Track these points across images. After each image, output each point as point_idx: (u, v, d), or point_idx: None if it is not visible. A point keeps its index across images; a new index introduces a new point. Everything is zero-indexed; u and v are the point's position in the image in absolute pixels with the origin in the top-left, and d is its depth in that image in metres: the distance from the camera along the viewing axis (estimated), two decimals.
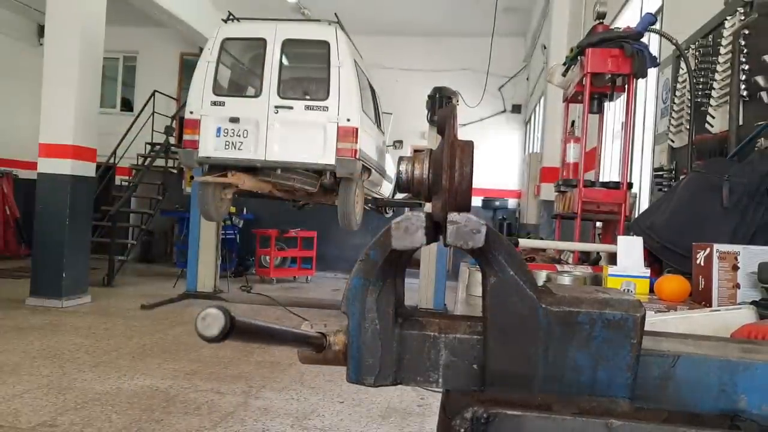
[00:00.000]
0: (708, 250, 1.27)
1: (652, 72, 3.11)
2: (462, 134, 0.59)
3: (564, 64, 3.18)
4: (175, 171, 9.68)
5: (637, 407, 0.54)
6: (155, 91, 9.93)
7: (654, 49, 3.24)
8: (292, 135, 5.44)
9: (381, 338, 0.55)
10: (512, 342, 0.53)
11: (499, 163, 10.66)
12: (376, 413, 3.38)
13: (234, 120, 5.48)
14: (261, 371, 4.07)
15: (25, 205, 9.26)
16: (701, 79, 2.60)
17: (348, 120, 5.39)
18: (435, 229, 0.55)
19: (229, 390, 3.62)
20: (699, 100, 2.60)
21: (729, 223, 1.50)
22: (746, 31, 2.19)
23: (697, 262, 1.31)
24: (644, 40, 2.81)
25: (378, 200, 7.41)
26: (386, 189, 7.51)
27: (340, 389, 3.73)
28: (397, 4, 9.48)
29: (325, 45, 5.51)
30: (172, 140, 9.38)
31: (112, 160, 9.15)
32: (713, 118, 2.44)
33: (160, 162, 9.35)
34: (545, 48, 8.06)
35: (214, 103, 5.52)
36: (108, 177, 9.07)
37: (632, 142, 3.27)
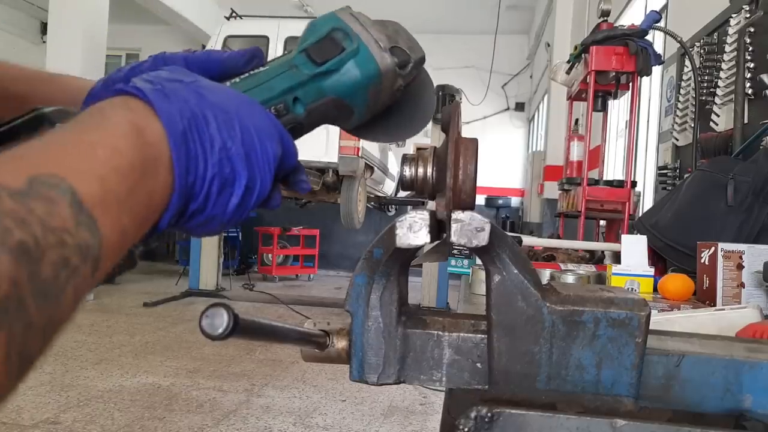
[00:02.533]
0: (712, 248, 1.26)
1: (656, 70, 3.10)
2: (465, 132, 0.59)
3: (568, 61, 3.17)
4: None
5: (641, 406, 0.54)
6: None
7: (658, 47, 3.24)
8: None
9: (384, 337, 0.55)
10: (516, 341, 0.53)
11: (502, 161, 10.65)
12: (379, 412, 3.38)
13: None
14: (263, 369, 4.08)
15: None
16: (706, 77, 2.59)
17: None
18: (438, 228, 0.54)
19: (232, 388, 3.63)
20: (704, 98, 2.59)
21: (734, 222, 1.50)
22: (751, 29, 2.18)
23: (702, 260, 1.30)
24: (648, 37, 2.80)
25: (380, 198, 7.41)
26: (389, 187, 7.51)
27: (343, 387, 3.74)
28: (399, 2, 9.47)
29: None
30: None
31: None
32: (718, 116, 2.43)
33: None
34: (549, 46, 8.05)
35: None
36: None
37: (636, 141, 3.26)
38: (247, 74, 0.50)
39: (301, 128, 0.52)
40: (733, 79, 2.26)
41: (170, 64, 0.50)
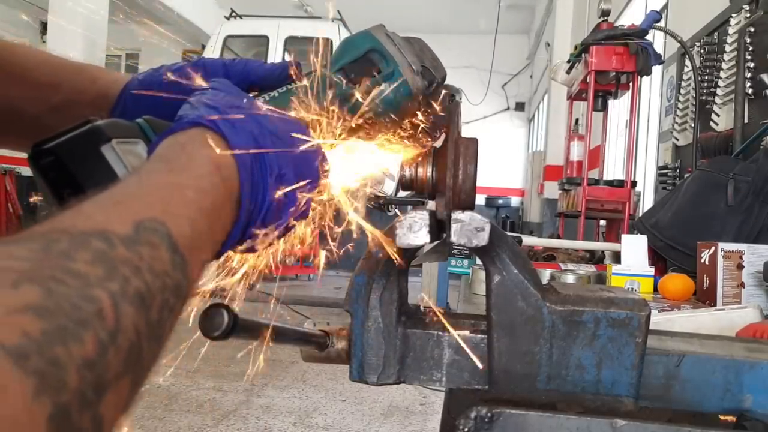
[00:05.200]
0: (712, 248, 1.26)
1: (656, 70, 3.10)
2: (465, 132, 0.59)
3: (568, 61, 3.17)
4: None
5: (641, 406, 0.54)
6: None
7: (659, 47, 3.23)
8: None
9: (384, 337, 0.55)
10: (516, 341, 0.53)
11: (502, 161, 10.64)
12: (379, 412, 3.38)
13: None
14: (263, 369, 4.08)
15: (28, 202, 9.27)
16: (706, 77, 2.59)
17: None
18: (438, 228, 0.54)
19: (231, 388, 3.63)
20: (704, 98, 2.58)
21: (734, 222, 1.49)
22: (752, 29, 2.18)
23: (702, 260, 1.30)
24: (649, 37, 2.80)
25: (380, 198, 7.40)
26: (389, 187, 7.51)
27: (343, 387, 3.74)
28: (400, 2, 9.47)
29: (327, 42, 5.52)
30: None
31: None
32: (718, 116, 2.43)
33: None
34: (549, 45, 8.05)
35: None
36: None
37: (636, 140, 3.26)
38: (285, 88, 0.51)
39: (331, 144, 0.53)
40: (734, 78, 2.26)
41: (210, 71, 0.51)
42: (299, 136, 0.45)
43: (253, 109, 0.43)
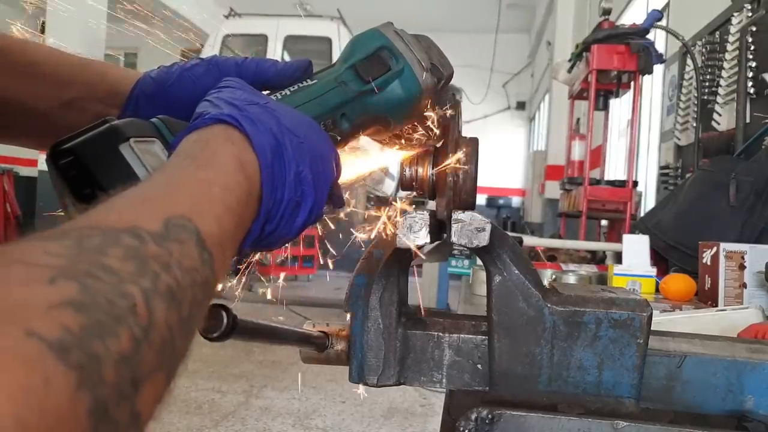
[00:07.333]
0: (714, 249, 1.26)
1: (658, 69, 3.10)
2: (465, 131, 0.58)
3: (569, 60, 3.16)
4: None
5: (643, 408, 0.53)
6: None
7: (660, 46, 3.23)
8: None
9: (384, 338, 0.54)
10: (517, 342, 0.53)
11: (503, 160, 10.63)
12: (378, 413, 3.38)
13: None
14: (262, 371, 4.07)
15: (26, 202, 9.26)
16: (708, 76, 2.59)
17: None
18: (439, 228, 0.54)
19: (230, 389, 3.62)
20: (706, 97, 2.58)
21: (736, 222, 1.49)
22: (753, 28, 2.18)
23: (704, 261, 1.30)
24: (650, 36, 2.79)
25: (380, 198, 7.40)
26: (389, 187, 7.51)
27: (342, 389, 3.73)
28: (400, 0, 9.47)
29: (327, 41, 5.52)
30: None
31: None
32: (720, 115, 2.42)
33: None
34: (550, 44, 8.05)
35: None
36: None
37: (638, 140, 3.26)
38: (296, 87, 0.51)
39: (342, 142, 0.53)
40: (735, 78, 2.26)
41: (223, 70, 0.52)
42: (314, 134, 0.46)
43: (271, 107, 0.44)
